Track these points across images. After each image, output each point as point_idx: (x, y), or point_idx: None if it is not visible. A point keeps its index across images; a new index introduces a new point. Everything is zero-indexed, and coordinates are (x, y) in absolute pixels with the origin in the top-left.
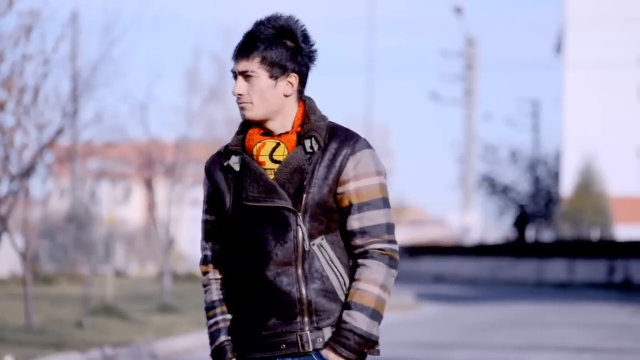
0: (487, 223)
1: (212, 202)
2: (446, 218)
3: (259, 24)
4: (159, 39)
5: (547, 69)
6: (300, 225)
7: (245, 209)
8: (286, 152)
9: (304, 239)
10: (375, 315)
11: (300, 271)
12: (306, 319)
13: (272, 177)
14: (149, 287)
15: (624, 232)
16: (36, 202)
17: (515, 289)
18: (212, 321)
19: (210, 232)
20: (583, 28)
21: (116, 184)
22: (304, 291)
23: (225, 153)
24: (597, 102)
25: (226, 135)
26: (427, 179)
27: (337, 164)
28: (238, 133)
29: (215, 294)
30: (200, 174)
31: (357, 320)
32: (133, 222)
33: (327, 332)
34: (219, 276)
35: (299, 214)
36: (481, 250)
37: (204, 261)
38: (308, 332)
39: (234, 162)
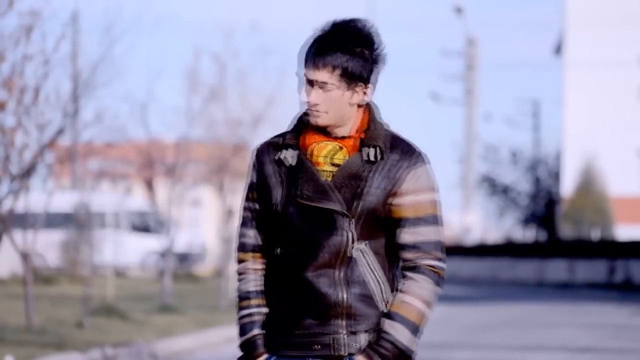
0: (487, 223)
1: (259, 191)
2: (446, 218)
3: (336, 31)
4: (159, 39)
5: (548, 69)
6: (350, 231)
7: (297, 207)
8: (346, 157)
9: (349, 244)
10: (417, 331)
11: (341, 275)
12: (342, 322)
13: (329, 179)
14: (150, 287)
15: (625, 232)
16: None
17: (516, 289)
18: (245, 312)
19: (253, 220)
20: (583, 28)
21: (117, 184)
22: (343, 295)
23: (278, 145)
24: (597, 102)
25: (226, 135)
26: None
27: (396, 175)
28: (294, 127)
29: (252, 284)
30: (200, 174)
31: (400, 333)
32: None
33: (362, 338)
34: (258, 266)
35: (351, 219)
36: (481, 251)
37: (243, 249)
38: (344, 336)
39: (289, 155)
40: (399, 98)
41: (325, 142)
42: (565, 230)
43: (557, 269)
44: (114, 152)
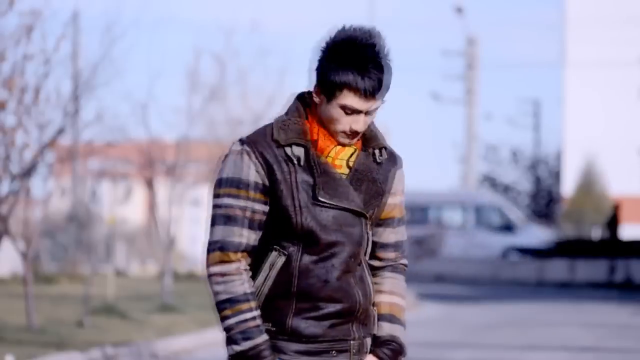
0: None
1: (267, 193)
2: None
3: (374, 50)
4: (159, 39)
5: (549, 68)
6: (367, 232)
7: (317, 209)
8: (356, 159)
9: (366, 245)
10: (405, 328)
11: (358, 277)
12: (355, 326)
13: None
14: (150, 287)
15: (625, 231)
16: (37, 202)
17: (516, 288)
18: (248, 315)
19: (247, 219)
20: (584, 28)
21: (117, 183)
22: (360, 298)
23: (279, 142)
24: (598, 102)
25: (227, 135)
26: (427, 179)
27: (390, 176)
28: (295, 123)
29: (248, 285)
30: (200, 174)
31: (400, 334)
32: (134, 221)
33: (368, 342)
34: (247, 267)
35: (369, 221)
36: None
37: (235, 248)
38: (359, 342)
39: (299, 154)
40: (400, 97)
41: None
42: (566, 230)
43: (557, 269)
44: (114, 152)
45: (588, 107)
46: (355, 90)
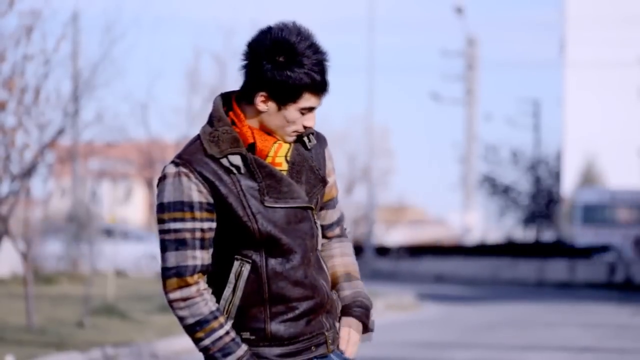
0: (488, 223)
1: (212, 207)
2: (447, 218)
3: (320, 49)
4: (159, 39)
5: (548, 68)
6: (316, 222)
7: (270, 211)
8: (292, 151)
9: (317, 235)
10: None
11: (318, 267)
12: (325, 317)
13: (289, 177)
14: (150, 287)
15: None
16: (37, 202)
17: (516, 289)
18: (221, 332)
19: (198, 240)
20: (583, 28)
21: (117, 183)
22: (327, 290)
23: (214, 156)
24: (597, 102)
25: None
26: (427, 179)
27: (322, 158)
28: (224, 134)
29: (212, 303)
30: None
31: (362, 288)
32: (134, 221)
33: (337, 328)
34: (206, 286)
35: (315, 211)
36: (482, 250)
37: (191, 271)
38: (332, 331)
39: (238, 162)
40: (400, 98)
41: (282, 142)
42: (566, 230)
43: (557, 269)
44: (115, 152)
45: (587, 107)
46: (314, 91)
